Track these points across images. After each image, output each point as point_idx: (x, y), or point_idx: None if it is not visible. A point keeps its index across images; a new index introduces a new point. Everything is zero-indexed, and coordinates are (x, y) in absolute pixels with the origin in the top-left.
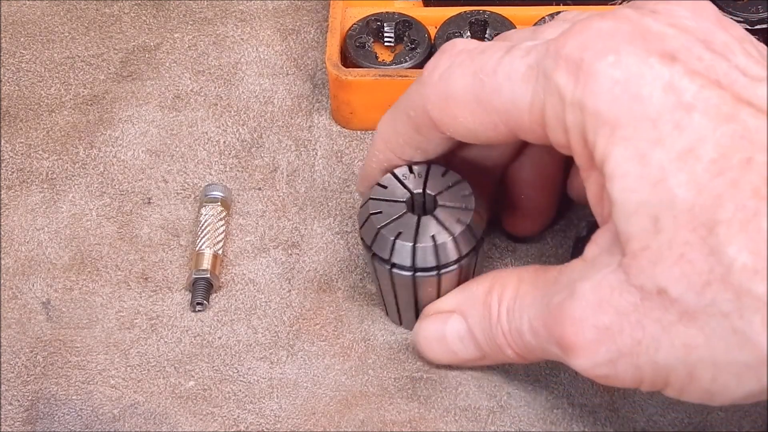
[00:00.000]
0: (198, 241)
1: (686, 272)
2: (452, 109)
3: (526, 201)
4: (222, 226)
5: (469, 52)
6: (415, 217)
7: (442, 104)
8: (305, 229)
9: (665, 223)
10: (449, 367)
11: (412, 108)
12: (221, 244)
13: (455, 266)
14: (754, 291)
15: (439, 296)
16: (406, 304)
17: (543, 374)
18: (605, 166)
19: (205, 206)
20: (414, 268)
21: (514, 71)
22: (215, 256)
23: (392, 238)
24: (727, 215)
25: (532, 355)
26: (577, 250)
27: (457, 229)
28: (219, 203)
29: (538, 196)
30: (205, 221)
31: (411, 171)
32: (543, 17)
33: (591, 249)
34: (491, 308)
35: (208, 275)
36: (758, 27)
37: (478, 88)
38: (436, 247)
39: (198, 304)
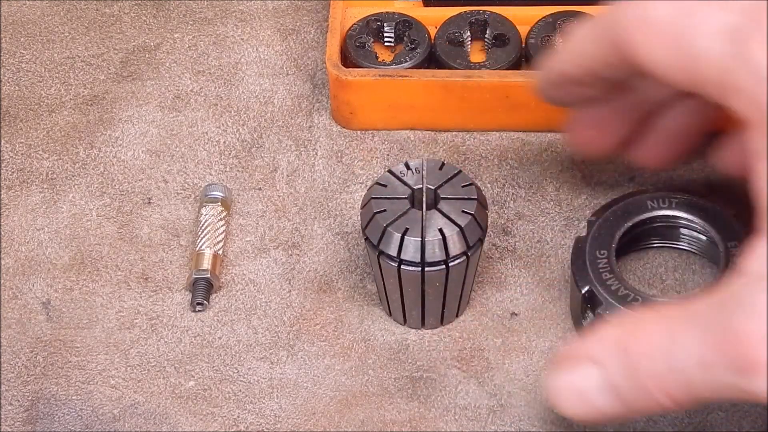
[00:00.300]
0: (198, 241)
1: None
2: (645, 35)
3: (664, 140)
4: (222, 226)
5: None
6: (420, 212)
7: (638, 25)
8: (305, 229)
9: None
10: (449, 366)
11: (608, 23)
12: (221, 244)
13: (463, 258)
14: None
15: (446, 291)
16: (413, 301)
17: (543, 374)
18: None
19: (205, 206)
20: (423, 263)
21: (712, 20)
22: (215, 256)
23: (400, 235)
24: None
25: (693, 395)
26: (577, 250)
27: (464, 220)
28: (219, 203)
29: (677, 142)
30: (206, 221)
31: (408, 168)
32: (543, 17)
33: (752, 262)
34: (632, 355)
35: (209, 275)
36: None
37: (674, 21)
38: (444, 239)
39: (198, 304)
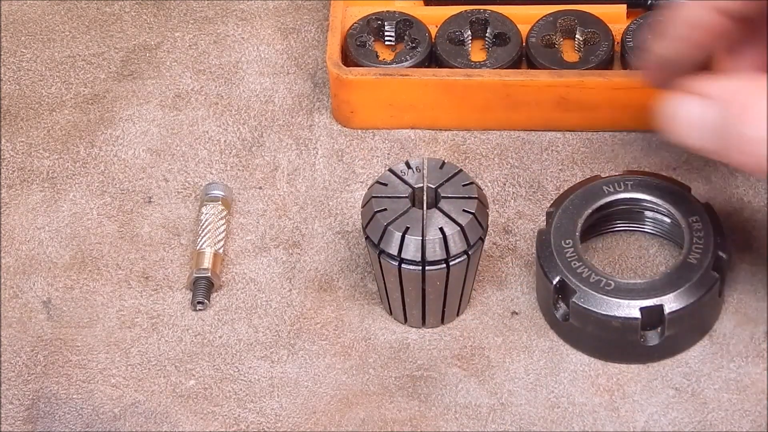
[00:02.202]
0: (199, 240)
1: None
2: None
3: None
4: (223, 225)
5: None
6: (421, 211)
7: None
8: (306, 228)
9: None
10: (450, 364)
11: None
12: (222, 243)
13: (463, 257)
14: None
15: (446, 290)
16: (413, 300)
17: (543, 373)
18: None
19: (205, 205)
20: (423, 262)
21: None
22: (216, 255)
23: (401, 234)
24: None
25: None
26: (541, 242)
27: (464, 219)
28: (219, 202)
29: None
30: (206, 220)
31: (408, 167)
32: (543, 16)
33: None
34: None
35: (209, 274)
36: None
37: None
38: (445, 238)
39: (199, 303)
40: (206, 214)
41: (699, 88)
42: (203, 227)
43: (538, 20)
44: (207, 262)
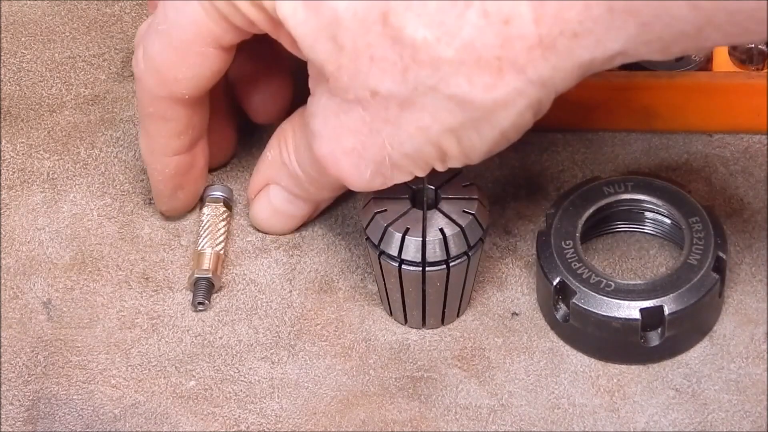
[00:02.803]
0: (200, 240)
1: (383, 68)
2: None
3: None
4: (224, 225)
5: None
6: (421, 212)
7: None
8: (306, 229)
9: (343, 38)
10: (450, 365)
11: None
12: (223, 244)
13: (464, 258)
14: (445, 57)
15: (446, 290)
16: (414, 301)
17: (544, 374)
18: (279, 14)
19: (207, 206)
20: (424, 263)
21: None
22: (217, 255)
23: (401, 235)
24: (392, 3)
25: (328, 190)
26: (542, 243)
27: (464, 220)
28: (221, 203)
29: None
30: (207, 221)
31: None
32: None
33: (310, 84)
34: (288, 165)
35: (210, 275)
36: None
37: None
38: (445, 239)
39: (199, 303)
40: (207, 215)
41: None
42: (204, 228)
43: None
44: (208, 263)
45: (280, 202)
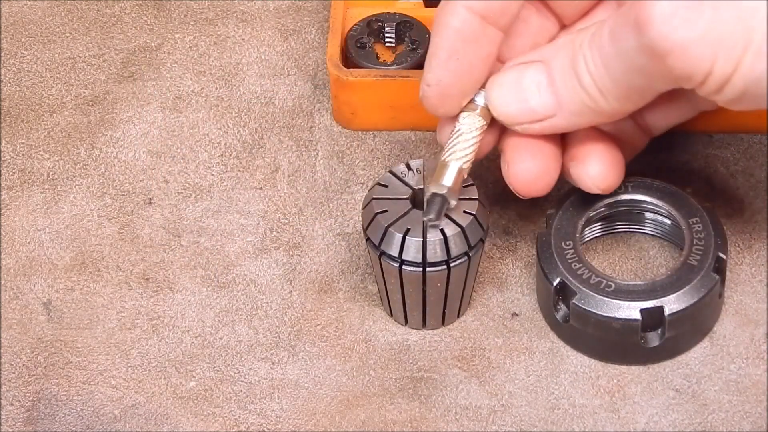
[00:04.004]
0: (446, 150)
1: None
2: None
3: None
4: (475, 139)
5: None
6: (421, 213)
7: None
8: (306, 229)
9: None
10: (450, 366)
11: None
12: (469, 159)
13: (464, 258)
14: None
15: (447, 291)
16: (414, 301)
17: (544, 374)
18: None
19: (464, 113)
20: (424, 264)
21: None
22: (460, 171)
23: (401, 235)
24: None
25: (614, 73)
26: (542, 244)
27: (465, 220)
28: (478, 111)
29: None
30: (459, 130)
31: (409, 168)
32: None
33: None
34: (575, 44)
35: (445, 192)
36: None
37: None
38: (446, 240)
39: (430, 220)
40: (462, 124)
41: (520, 61)
42: (455, 137)
43: None
44: (448, 179)
45: (530, 82)
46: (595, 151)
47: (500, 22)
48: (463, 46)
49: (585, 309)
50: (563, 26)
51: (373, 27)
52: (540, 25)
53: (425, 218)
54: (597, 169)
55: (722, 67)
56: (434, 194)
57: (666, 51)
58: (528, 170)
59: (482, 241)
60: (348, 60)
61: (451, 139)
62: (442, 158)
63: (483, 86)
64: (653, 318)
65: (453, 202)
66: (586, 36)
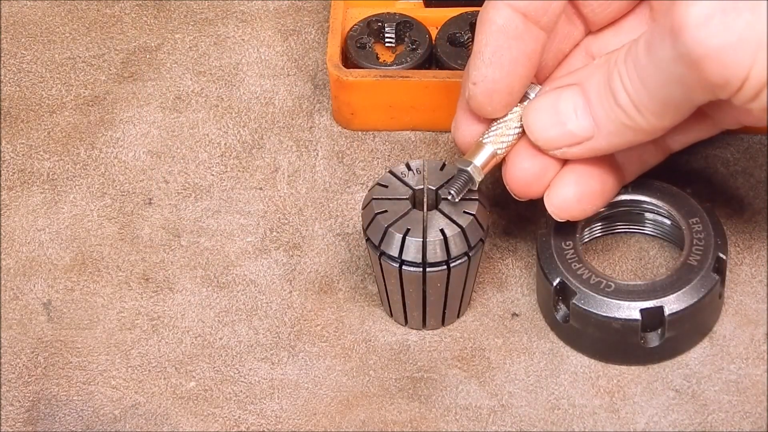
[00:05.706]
0: (489, 131)
1: None
2: None
3: None
4: (519, 129)
5: None
6: (421, 213)
7: None
8: (306, 230)
9: None
10: (450, 366)
11: None
12: (507, 146)
13: (464, 258)
14: None
15: (447, 291)
16: (414, 302)
17: (544, 374)
18: None
19: (516, 108)
20: (424, 264)
21: None
22: (494, 155)
23: (401, 235)
24: None
25: (652, 94)
26: (542, 244)
27: (465, 221)
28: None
29: None
30: (507, 117)
31: (409, 168)
32: None
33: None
34: (610, 62)
35: (470, 169)
36: None
37: None
38: (446, 240)
39: (448, 194)
40: (513, 112)
41: (557, 85)
42: (500, 123)
43: None
44: (478, 158)
45: (567, 105)
46: (566, 176)
47: (542, 21)
48: (507, 42)
49: (585, 309)
50: (589, 32)
51: (373, 27)
52: (565, 33)
53: (445, 191)
54: (562, 196)
55: (759, 71)
56: (461, 170)
57: (701, 57)
58: (526, 172)
59: (482, 241)
60: (348, 60)
61: (495, 125)
62: (480, 139)
63: (533, 82)
64: (653, 318)
65: (476, 183)
66: (621, 53)
